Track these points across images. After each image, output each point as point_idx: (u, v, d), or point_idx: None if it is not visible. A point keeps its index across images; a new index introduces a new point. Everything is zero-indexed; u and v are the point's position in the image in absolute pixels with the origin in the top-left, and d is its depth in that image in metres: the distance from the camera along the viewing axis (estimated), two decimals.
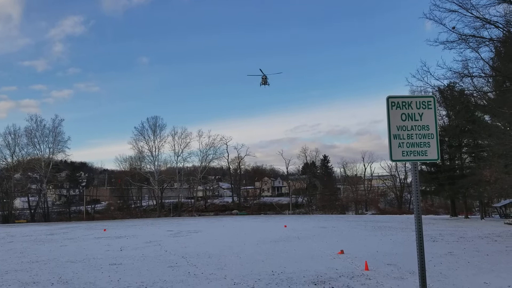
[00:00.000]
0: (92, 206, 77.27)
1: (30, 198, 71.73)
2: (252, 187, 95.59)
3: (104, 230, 36.43)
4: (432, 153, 5.72)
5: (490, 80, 28.93)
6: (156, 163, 78.34)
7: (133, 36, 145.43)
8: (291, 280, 11.61)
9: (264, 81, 60.30)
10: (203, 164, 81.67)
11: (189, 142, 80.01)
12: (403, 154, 5.68)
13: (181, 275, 12.94)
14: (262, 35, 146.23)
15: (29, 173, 72.82)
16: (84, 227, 43.83)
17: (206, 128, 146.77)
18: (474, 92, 30.01)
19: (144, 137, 77.57)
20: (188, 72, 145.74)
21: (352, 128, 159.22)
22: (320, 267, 13.62)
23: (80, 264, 15.89)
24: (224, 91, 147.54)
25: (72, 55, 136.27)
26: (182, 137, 79.32)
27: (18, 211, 71.88)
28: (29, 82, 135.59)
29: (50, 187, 77.64)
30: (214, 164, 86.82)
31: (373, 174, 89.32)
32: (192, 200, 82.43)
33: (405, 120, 5.77)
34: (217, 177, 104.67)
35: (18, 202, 75.01)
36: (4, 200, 67.94)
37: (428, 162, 43.23)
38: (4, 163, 71.69)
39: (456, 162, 50.85)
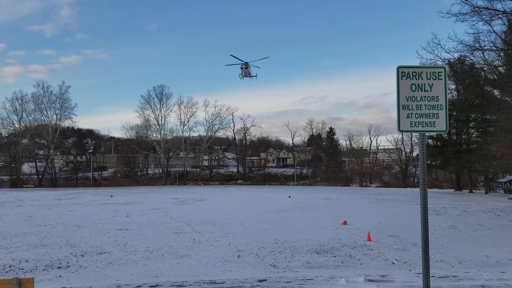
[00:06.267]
0: (99, 172, 78.12)
1: (37, 164, 72.56)
2: (257, 157, 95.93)
3: (111, 196, 36.93)
4: (441, 124, 5.67)
5: (501, 54, 28.43)
6: (162, 131, 78.74)
7: (143, 1, 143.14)
8: (294, 249, 11.79)
9: (245, 72, 43.38)
10: (209, 134, 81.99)
11: (195, 112, 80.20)
12: (411, 125, 5.64)
13: (186, 241, 13.17)
14: (272, 5, 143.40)
15: (37, 139, 73.33)
16: (91, 193, 44.44)
17: (213, 98, 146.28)
18: (485, 66, 29.58)
19: (150, 106, 77.65)
20: (196, 41, 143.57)
21: (360, 101, 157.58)
22: (323, 237, 13.80)
23: (87, 228, 16.19)
24: (232, 61, 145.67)
25: (80, 20, 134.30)
26: (188, 107, 79.36)
27: (26, 176, 72.97)
28: (37, 46, 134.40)
29: (58, 153, 78.33)
30: (220, 134, 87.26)
31: (379, 147, 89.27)
32: (198, 169, 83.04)
33: (414, 91, 5.71)
34: (222, 147, 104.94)
35: (26, 167, 75.93)
36: (12, 165, 68.86)
37: (435, 133, 43.21)
38: (12, 128, 72.33)
39: (463, 136, 50.53)
